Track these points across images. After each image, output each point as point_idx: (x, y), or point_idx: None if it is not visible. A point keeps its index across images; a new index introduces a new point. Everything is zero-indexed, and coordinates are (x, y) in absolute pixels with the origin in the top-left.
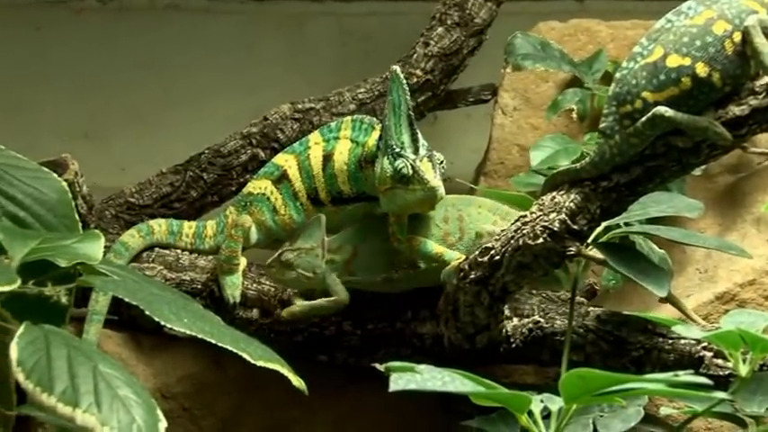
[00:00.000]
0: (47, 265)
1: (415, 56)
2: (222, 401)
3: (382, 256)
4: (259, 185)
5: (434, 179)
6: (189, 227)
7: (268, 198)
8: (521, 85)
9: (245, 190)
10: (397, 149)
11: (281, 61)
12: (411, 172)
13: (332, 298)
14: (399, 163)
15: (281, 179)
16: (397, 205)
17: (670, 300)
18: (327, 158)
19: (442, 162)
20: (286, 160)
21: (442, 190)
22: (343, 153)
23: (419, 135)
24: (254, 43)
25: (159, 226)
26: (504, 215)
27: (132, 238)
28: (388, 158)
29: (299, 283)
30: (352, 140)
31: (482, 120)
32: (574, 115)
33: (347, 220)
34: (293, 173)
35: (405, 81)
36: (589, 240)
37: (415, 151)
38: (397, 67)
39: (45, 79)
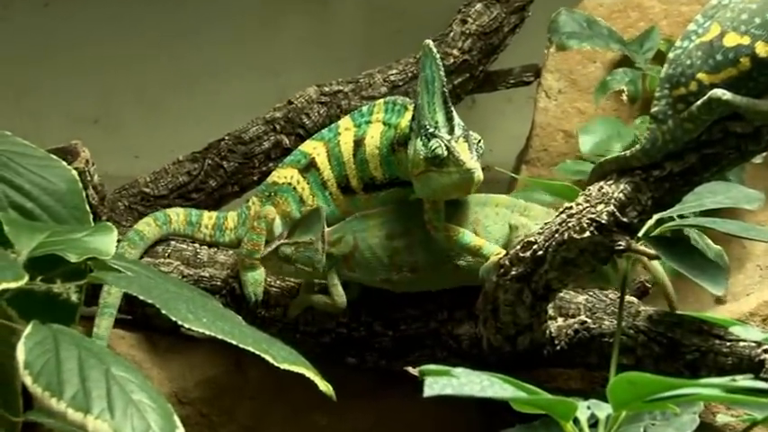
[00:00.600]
0: (56, 260)
1: (452, 34)
2: (243, 407)
3: (382, 254)
4: (284, 174)
5: (471, 160)
6: (209, 217)
7: (294, 188)
8: (566, 65)
9: (269, 179)
10: (431, 129)
11: (305, 40)
12: (446, 153)
13: (329, 301)
14: (433, 143)
15: (309, 168)
16: (431, 189)
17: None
18: (358, 144)
19: (479, 142)
20: (314, 147)
21: (479, 172)
22: (374, 137)
23: (454, 114)
24: (276, 21)
25: (177, 215)
26: (522, 211)
27: (148, 226)
28: (421, 139)
29: (298, 275)
30: (384, 123)
31: (524, 104)
32: (624, 97)
33: (380, 207)
34: (322, 161)
35: (438, 56)
36: (640, 234)
37: (450, 131)
38: (430, 41)
39: (53, 60)
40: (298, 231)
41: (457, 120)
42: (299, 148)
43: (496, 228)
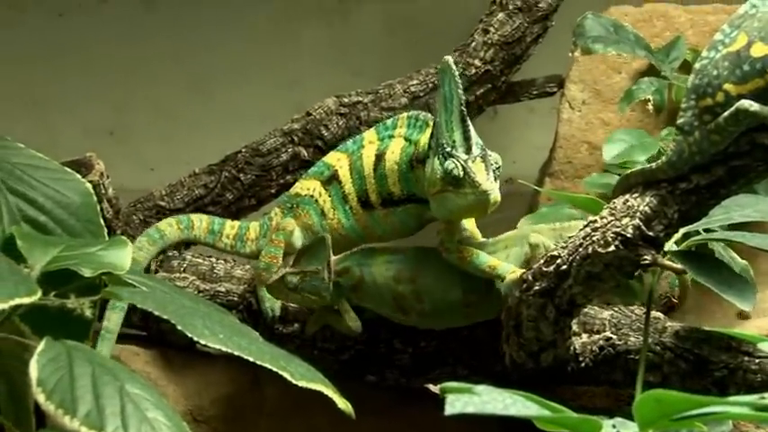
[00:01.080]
0: (70, 274)
1: (474, 44)
2: (260, 426)
3: (388, 295)
4: (307, 186)
5: (487, 181)
6: (231, 227)
7: (316, 200)
8: (590, 76)
9: (292, 190)
10: (448, 148)
11: (324, 50)
12: (462, 173)
13: (346, 324)
14: (449, 164)
15: (331, 180)
16: (447, 210)
17: None
18: (379, 158)
19: (497, 164)
20: (338, 159)
21: (496, 193)
22: (395, 152)
23: (472, 132)
24: (294, 30)
25: (200, 221)
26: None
27: (170, 227)
28: (438, 158)
29: (305, 303)
30: (405, 138)
31: (547, 115)
32: (650, 107)
33: (397, 224)
34: (344, 173)
35: (457, 72)
36: (666, 248)
37: (468, 150)
38: (449, 58)
39: (67, 71)
40: (303, 260)
41: (475, 139)
42: (324, 159)
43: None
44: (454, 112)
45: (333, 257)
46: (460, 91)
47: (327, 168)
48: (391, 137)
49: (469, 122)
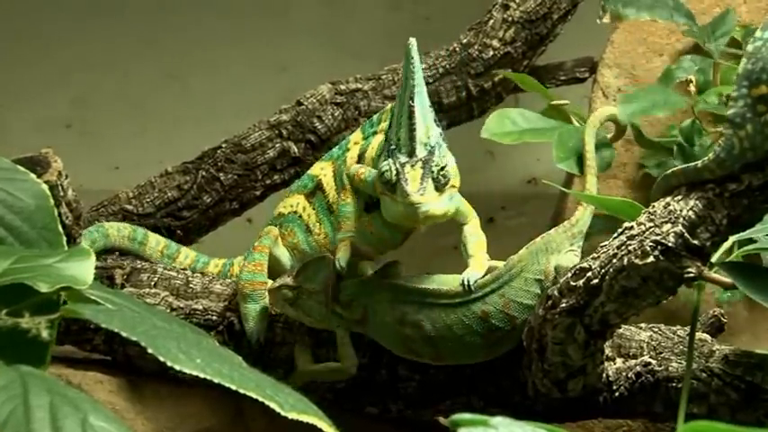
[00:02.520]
0: (23, 290)
1: (492, 22)
2: None
3: (395, 337)
4: (291, 203)
5: (417, 192)
6: (215, 265)
7: (300, 216)
8: (627, 59)
9: (276, 210)
10: (393, 146)
11: (317, 30)
12: (394, 179)
13: (337, 364)
14: (385, 165)
15: (315, 191)
16: (387, 214)
17: None
18: (360, 158)
19: (444, 172)
20: (322, 168)
21: (428, 207)
22: (373, 148)
23: (419, 132)
24: (282, 8)
25: (186, 256)
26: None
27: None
28: (383, 156)
29: (299, 319)
30: (384, 133)
31: (577, 104)
32: (692, 88)
33: (385, 232)
34: (328, 181)
35: (416, 58)
36: (713, 259)
37: (411, 152)
38: (412, 40)
39: (18, 55)
40: (302, 277)
41: (423, 139)
42: (309, 171)
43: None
44: (404, 105)
45: (335, 281)
46: (413, 82)
47: (311, 180)
48: (374, 133)
49: (418, 120)
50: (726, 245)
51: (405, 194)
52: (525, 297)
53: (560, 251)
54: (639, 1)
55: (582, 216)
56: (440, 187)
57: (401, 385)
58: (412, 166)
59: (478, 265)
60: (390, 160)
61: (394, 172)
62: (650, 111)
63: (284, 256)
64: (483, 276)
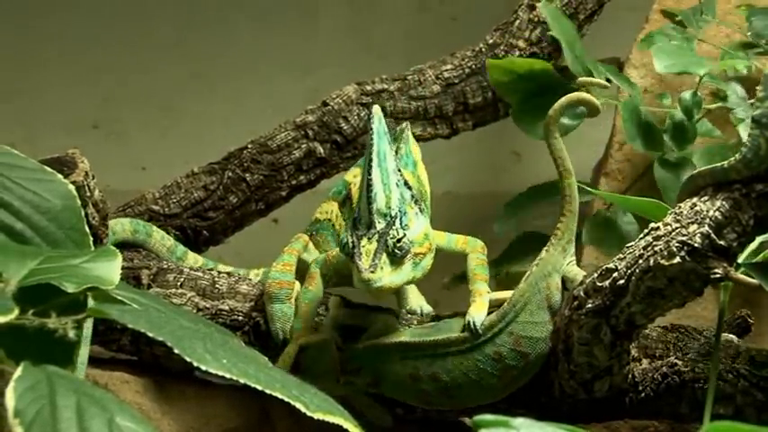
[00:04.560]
0: (50, 290)
1: (518, 22)
2: None
3: (411, 394)
4: (326, 209)
5: (368, 270)
6: (255, 275)
7: (333, 224)
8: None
9: (314, 216)
10: (355, 215)
11: (344, 31)
12: (351, 251)
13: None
14: (344, 237)
15: (346, 200)
16: (354, 282)
17: None
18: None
19: (399, 240)
20: (354, 176)
21: (381, 283)
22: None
23: (376, 203)
24: (309, 9)
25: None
26: None
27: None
28: (347, 224)
29: None
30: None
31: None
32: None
33: None
34: (355, 190)
35: (380, 124)
36: (740, 260)
37: (369, 224)
38: (377, 107)
39: (46, 56)
40: (307, 360)
41: (382, 209)
42: (345, 176)
43: None
44: (364, 175)
45: (338, 354)
46: (372, 151)
47: (344, 187)
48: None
49: (377, 190)
50: (752, 245)
51: (358, 270)
52: (534, 330)
53: (558, 269)
54: None
55: (566, 226)
56: (396, 260)
57: None
58: (369, 239)
59: (480, 305)
60: (349, 232)
61: (350, 245)
62: (687, 68)
63: (311, 251)
64: (487, 314)
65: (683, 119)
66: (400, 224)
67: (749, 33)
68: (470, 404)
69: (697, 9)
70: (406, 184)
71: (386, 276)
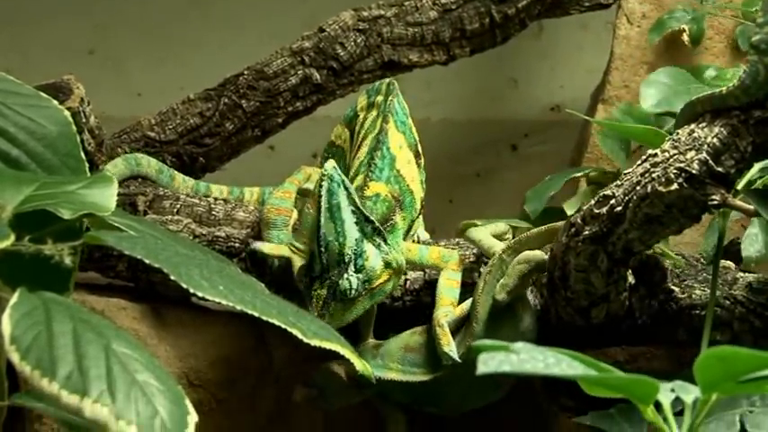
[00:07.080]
0: (46, 216)
1: None
2: (266, 391)
3: (413, 394)
4: (339, 134)
5: (318, 315)
6: (251, 193)
7: (343, 150)
8: None
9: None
10: (310, 257)
11: None
12: (304, 292)
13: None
14: (298, 277)
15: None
16: None
17: None
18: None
19: (349, 290)
20: (361, 108)
21: (333, 324)
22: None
23: (328, 254)
24: None
25: (221, 191)
26: None
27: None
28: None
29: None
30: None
31: (601, 31)
32: (685, 38)
33: None
34: (360, 121)
35: (334, 181)
36: (738, 186)
37: (322, 270)
38: (331, 163)
39: None
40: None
41: (335, 257)
42: (355, 104)
43: None
44: (318, 226)
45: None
46: (326, 205)
47: (354, 111)
48: (372, 104)
49: (330, 241)
50: (751, 172)
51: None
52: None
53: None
54: None
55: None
56: (348, 302)
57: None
58: (321, 283)
59: (444, 337)
60: (305, 273)
61: (304, 285)
62: (671, 101)
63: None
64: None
65: None
66: (354, 268)
67: None
68: (479, 405)
69: None
70: (366, 219)
71: (335, 321)
